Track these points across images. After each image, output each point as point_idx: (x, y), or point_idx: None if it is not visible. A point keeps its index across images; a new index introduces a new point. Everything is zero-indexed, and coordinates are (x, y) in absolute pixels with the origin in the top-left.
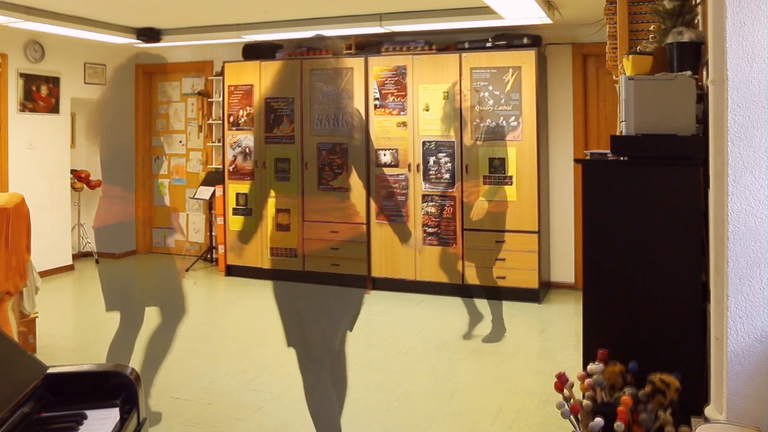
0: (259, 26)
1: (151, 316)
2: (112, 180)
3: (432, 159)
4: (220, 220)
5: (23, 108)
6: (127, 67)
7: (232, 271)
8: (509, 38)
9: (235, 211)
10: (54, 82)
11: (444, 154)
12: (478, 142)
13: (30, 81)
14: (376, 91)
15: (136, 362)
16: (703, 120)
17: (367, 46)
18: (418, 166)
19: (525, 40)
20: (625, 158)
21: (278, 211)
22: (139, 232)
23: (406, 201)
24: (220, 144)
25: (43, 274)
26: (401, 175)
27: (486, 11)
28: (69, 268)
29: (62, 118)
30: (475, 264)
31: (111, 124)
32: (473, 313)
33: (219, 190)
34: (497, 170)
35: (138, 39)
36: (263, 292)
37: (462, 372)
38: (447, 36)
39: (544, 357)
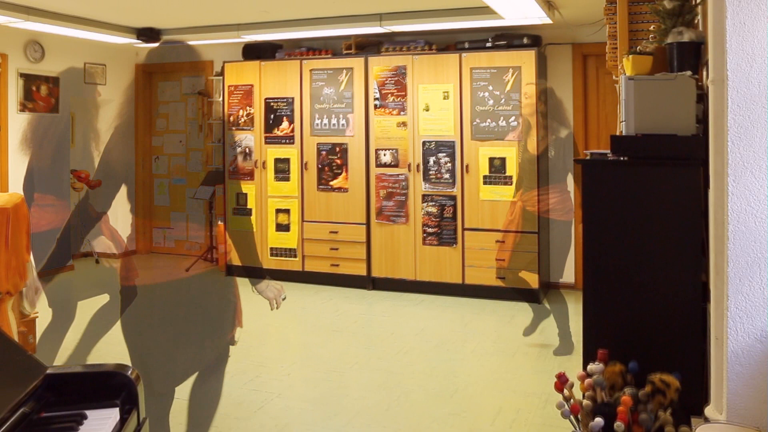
0: (259, 26)
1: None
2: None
3: (432, 159)
4: (220, 220)
5: (23, 108)
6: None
7: (232, 271)
8: (509, 38)
9: (235, 211)
10: (54, 82)
11: (444, 154)
12: (478, 142)
13: (30, 81)
14: (376, 91)
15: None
16: (703, 120)
17: (367, 46)
18: (418, 166)
19: (525, 40)
20: (625, 158)
21: (278, 211)
22: (139, 232)
23: (406, 201)
24: (220, 144)
25: (43, 274)
26: (401, 175)
27: (486, 11)
28: (69, 268)
29: (62, 118)
30: (475, 264)
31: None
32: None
33: (219, 189)
34: (497, 170)
35: (138, 39)
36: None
37: (462, 372)
38: (447, 36)
39: (544, 357)
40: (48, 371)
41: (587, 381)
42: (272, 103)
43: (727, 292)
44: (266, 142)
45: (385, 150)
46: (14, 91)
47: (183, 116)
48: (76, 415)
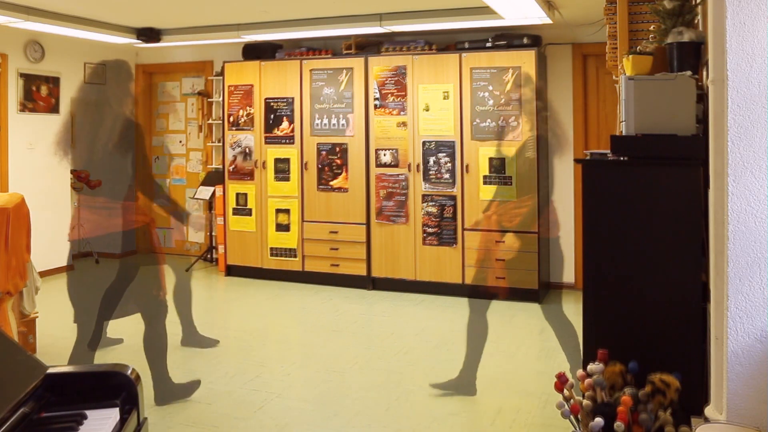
0: (259, 26)
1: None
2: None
3: (432, 159)
4: (220, 220)
5: (23, 108)
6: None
7: (232, 271)
8: (509, 38)
9: (235, 211)
10: (54, 82)
11: (444, 154)
12: (478, 142)
13: (30, 81)
14: (376, 91)
15: None
16: (703, 120)
17: (367, 46)
18: (418, 166)
19: (525, 40)
20: (625, 158)
21: (278, 211)
22: (139, 232)
23: (406, 201)
24: (220, 144)
25: (43, 274)
26: (401, 175)
27: (486, 11)
28: (69, 268)
29: (62, 118)
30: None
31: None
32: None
33: (219, 190)
34: (497, 170)
35: (138, 39)
36: (263, 292)
37: None
38: (447, 36)
39: (544, 357)
40: (48, 371)
41: (587, 381)
42: (272, 103)
43: (727, 292)
44: (266, 142)
45: (385, 150)
46: (14, 91)
47: (183, 116)
48: (76, 415)
